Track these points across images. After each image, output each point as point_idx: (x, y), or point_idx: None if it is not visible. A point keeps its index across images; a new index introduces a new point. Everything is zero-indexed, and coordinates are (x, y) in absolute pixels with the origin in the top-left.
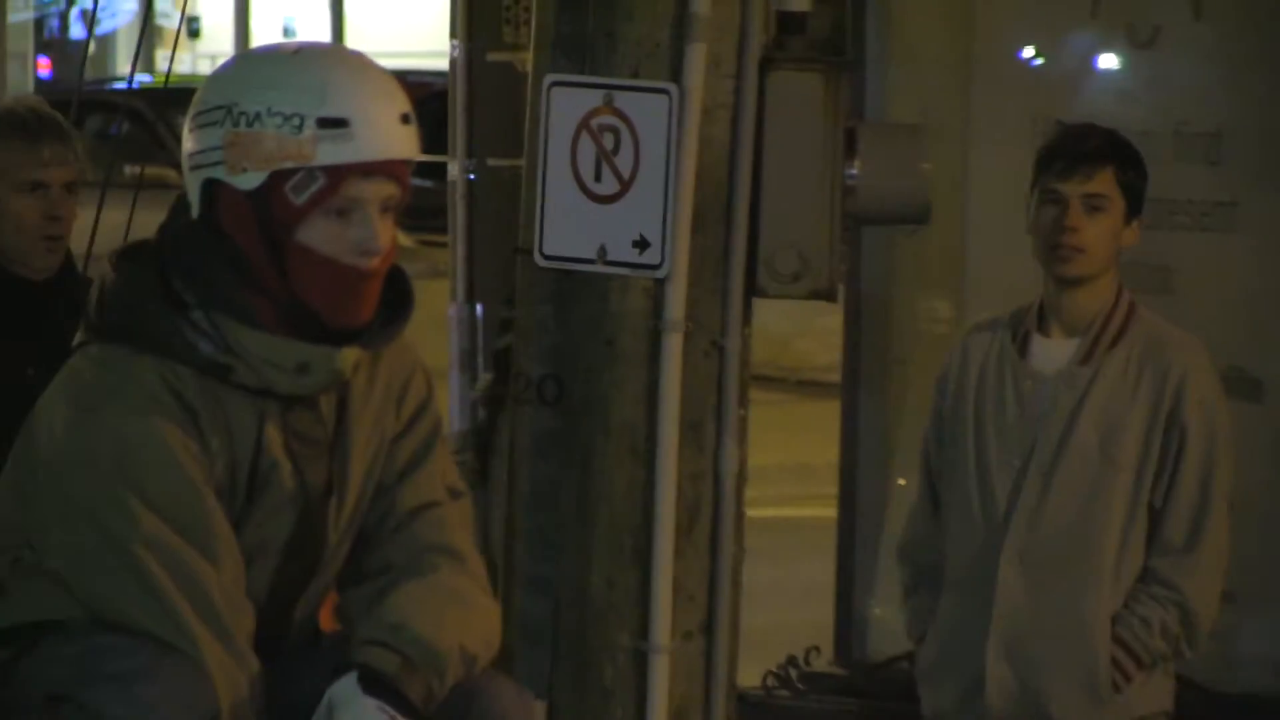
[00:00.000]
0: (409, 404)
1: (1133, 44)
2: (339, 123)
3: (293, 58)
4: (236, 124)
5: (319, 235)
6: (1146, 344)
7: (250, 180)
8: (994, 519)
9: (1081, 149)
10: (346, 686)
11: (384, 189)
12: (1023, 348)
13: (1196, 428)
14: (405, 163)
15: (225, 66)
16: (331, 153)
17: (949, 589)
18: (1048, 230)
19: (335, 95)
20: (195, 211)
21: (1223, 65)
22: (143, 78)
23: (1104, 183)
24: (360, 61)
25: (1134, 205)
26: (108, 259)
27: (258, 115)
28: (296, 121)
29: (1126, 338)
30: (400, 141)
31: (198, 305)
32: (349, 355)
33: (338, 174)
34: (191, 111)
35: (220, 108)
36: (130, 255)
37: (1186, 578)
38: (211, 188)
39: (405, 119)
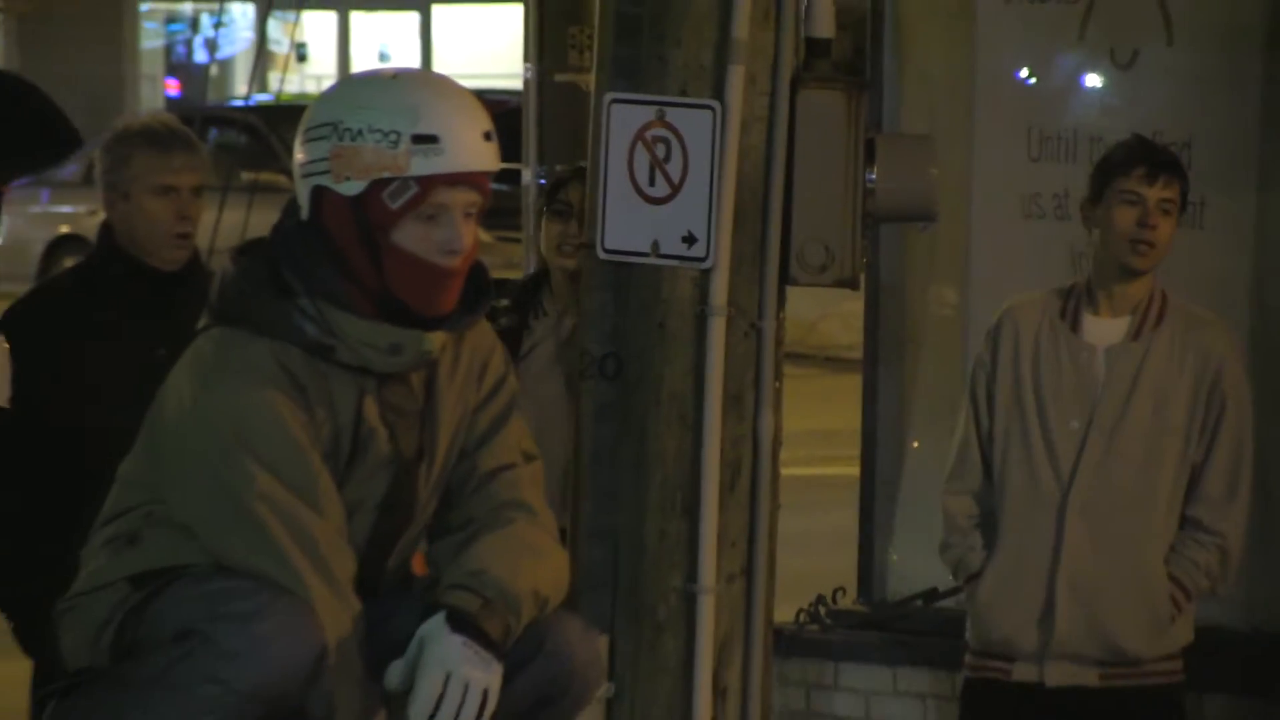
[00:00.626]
0: (489, 379)
1: (1115, 65)
2: (430, 139)
3: (390, 82)
4: (341, 139)
5: (410, 236)
6: (1186, 324)
7: (352, 188)
8: (1061, 476)
9: (1160, 159)
10: (435, 624)
11: (467, 197)
12: (1074, 324)
13: (1234, 398)
14: (486, 174)
15: (332, 89)
16: (423, 165)
17: (1007, 534)
18: (1129, 228)
19: (427, 115)
20: (304, 214)
21: (1192, 84)
22: (263, 97)
23: (1173, 189)
24: (449, 85)
25: (1183, 209)
26: (228, 254)
27: (359, 132)
28: (393, 138)
29: (1167, 319)
30: (482, 156)
31: (305, 294)
32: (435, 338)
33: (428, 183)
34: (302, 127)
35: (327, 124)
36: (247, 250)
37: (1226, 524)
38: (318, 193)
39: (487, 136)
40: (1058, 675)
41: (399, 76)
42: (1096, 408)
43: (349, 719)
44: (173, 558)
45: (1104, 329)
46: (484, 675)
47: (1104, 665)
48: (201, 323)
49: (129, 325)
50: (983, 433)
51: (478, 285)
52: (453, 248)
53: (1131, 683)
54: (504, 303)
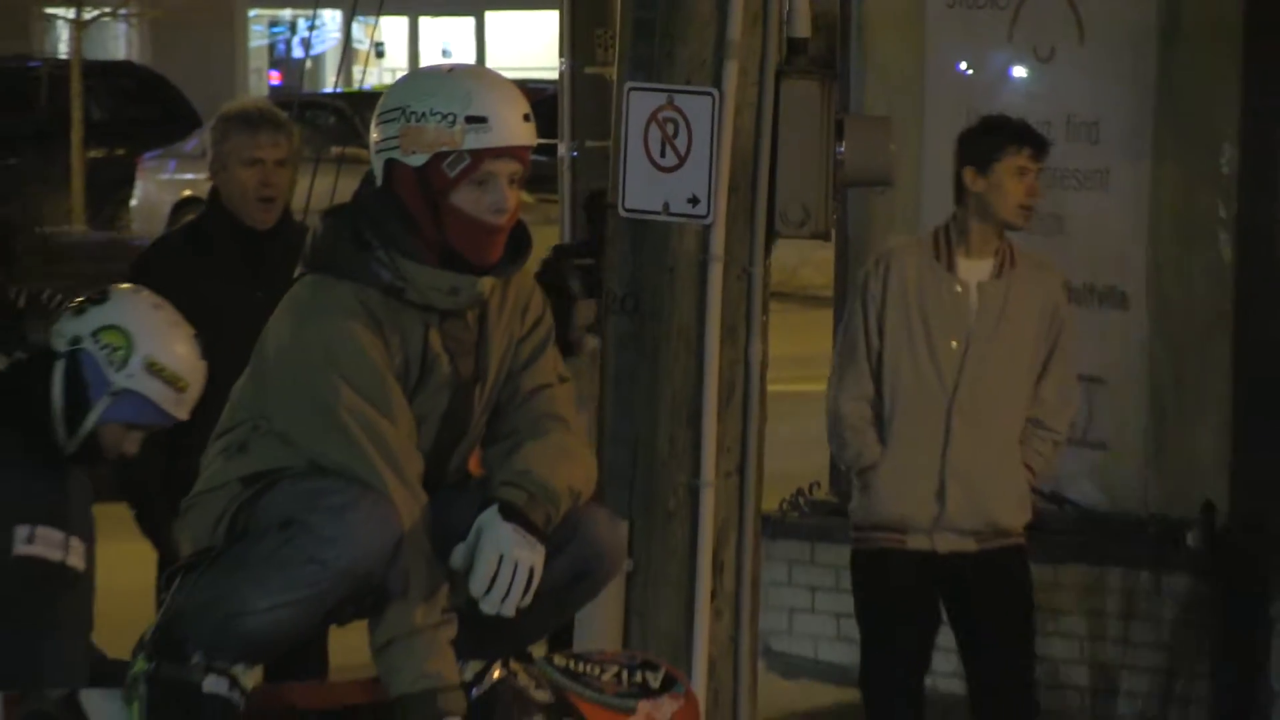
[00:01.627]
0: (530, 315)
1: (1037, 59)
2: (480, 120)
3: (448, 74)
4: (408, 120)
5: (465, 199)
6: (1032, 267)
7: (417, 160)
8: (945, 385)
9: (1041, 140)
10: (490, 515)
11: (510, 166)
12: (949, 264)
13: (1067, 325)
14: (526, 148)
15: (400, 80)
16: (474, 140)
17: (900, 433)
18: (1020, 196)
19: (477, 100)
20: (379, 182)
21: (1099, 74)
22: (369, 87)
23: (1041, 162)
24: (495, 77)
25: None
26: (319, 215)
27: (423, 114)
28: (450, 119)
29: (1019, 262)
30: (522, 133)
31: (380, 246)
32: (485, 283)
33: (478, 155)
34: (376, 111)
35: (397, 109)
36: (334, 212)
37: (1059, 423)
38: (390, 165)
39: (526, 118)
40: (946, 544)
41: (455, 70)
42: (972, 331)
43: (421, 593)
44: (275, 461)
45: (973, 269)
46: (530, 555)
47: (980, 535)
48: (297, 271)
49: (231, 272)
50: (872, 351)
51: (520, 240)
52: (499, 208)
53: (995, 545)
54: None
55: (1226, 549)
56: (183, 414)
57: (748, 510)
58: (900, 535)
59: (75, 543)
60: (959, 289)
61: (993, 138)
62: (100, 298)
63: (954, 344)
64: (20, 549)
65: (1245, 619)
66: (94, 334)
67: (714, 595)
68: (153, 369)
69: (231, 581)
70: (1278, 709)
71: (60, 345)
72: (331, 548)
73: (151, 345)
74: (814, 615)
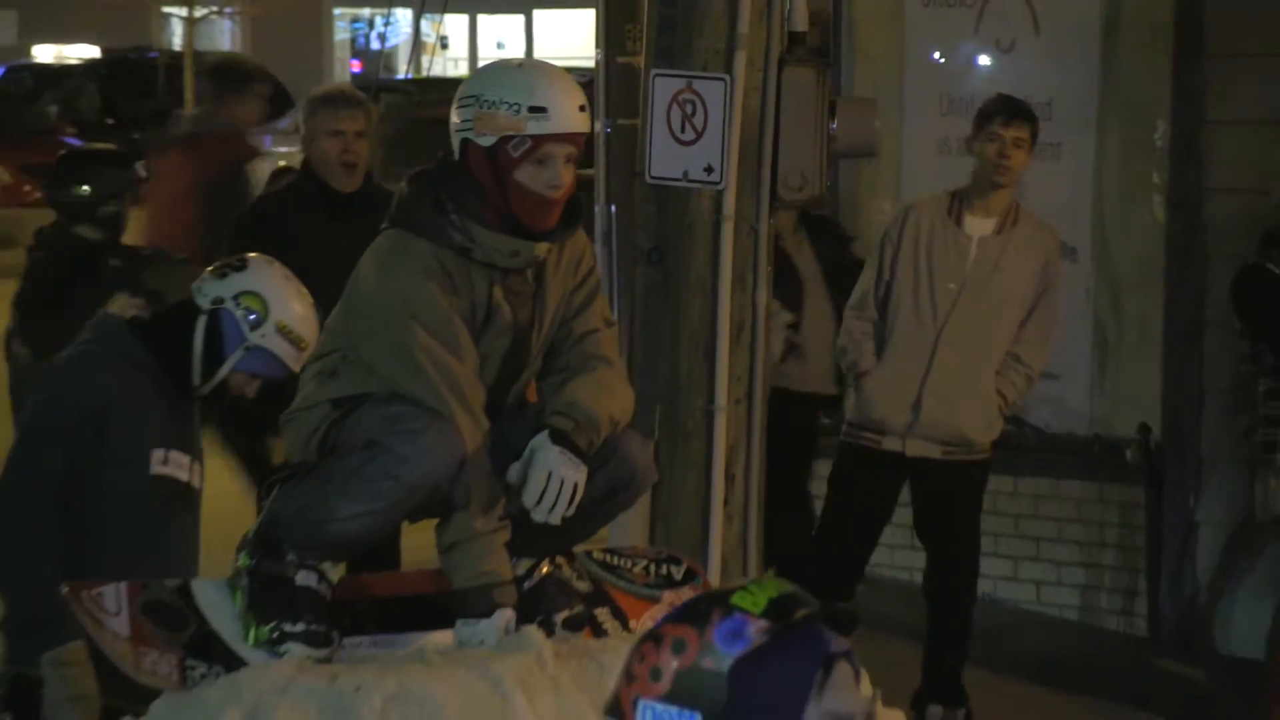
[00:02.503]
0: (581, 270)
1: (999, 49)
2: (541, 110)
3: (517, 69)
4: (481, 108)
5: (526, 175)
6: (1033, 228)
7: (487, 140)
8: (937, 319)
9: (1015, 108)
10: (542, 439)
11: (566, 149)
12: (958, 220)
13: (1055, 281)
14: (580, 134)
15: (478, 72)
16: (535, 127)
17: (893, 351)
18: (993, 158)
19: (539, 93)
20: (455, 156)
21: (1052, 61)
22: (434, 73)
23: (1024, 131)
24: (557, 73)
25: (1033, 145)
26: (405, 179)
27: (494, 103)
28: (516, 108)
29: (1021, 223)
30: (577, 121)
31: (454, 212)
32: (541, 247)
33: (539, 140)
34: (456, 97)
35: (473, 97)
36: (416, 177)
37: (1035, 360)
38: (465, 144)
39: (582, 108)
40: (915, 449)
41: (523, 65)
42: (967, 278)
43: (481, 504)
44: (361, 387)
45: (978, 225)
46: (574, 474)
47: (948, 445)
48: (383, 226)
49: (319, 226)
50: (881, 283)
51: (573, 208)
52: (555, 184)
53: (960, 458)
54: None
55: (1158, 463)
56: (298, 368)
57: (754, 431)
58: (878, 436)
59: (197, 466)
60: (962, 241)
61: (979, 114)
62: (240, 265)
63: (950, 287)
64: (156, 469)
65: (1174, 521)
66: (235, 297)
67: (726, 503)
68: (282, 331)
69: (321, 492)
70: (1201, 595)
71: (204, 303)
72: (405, 466)
73: (283, 311)
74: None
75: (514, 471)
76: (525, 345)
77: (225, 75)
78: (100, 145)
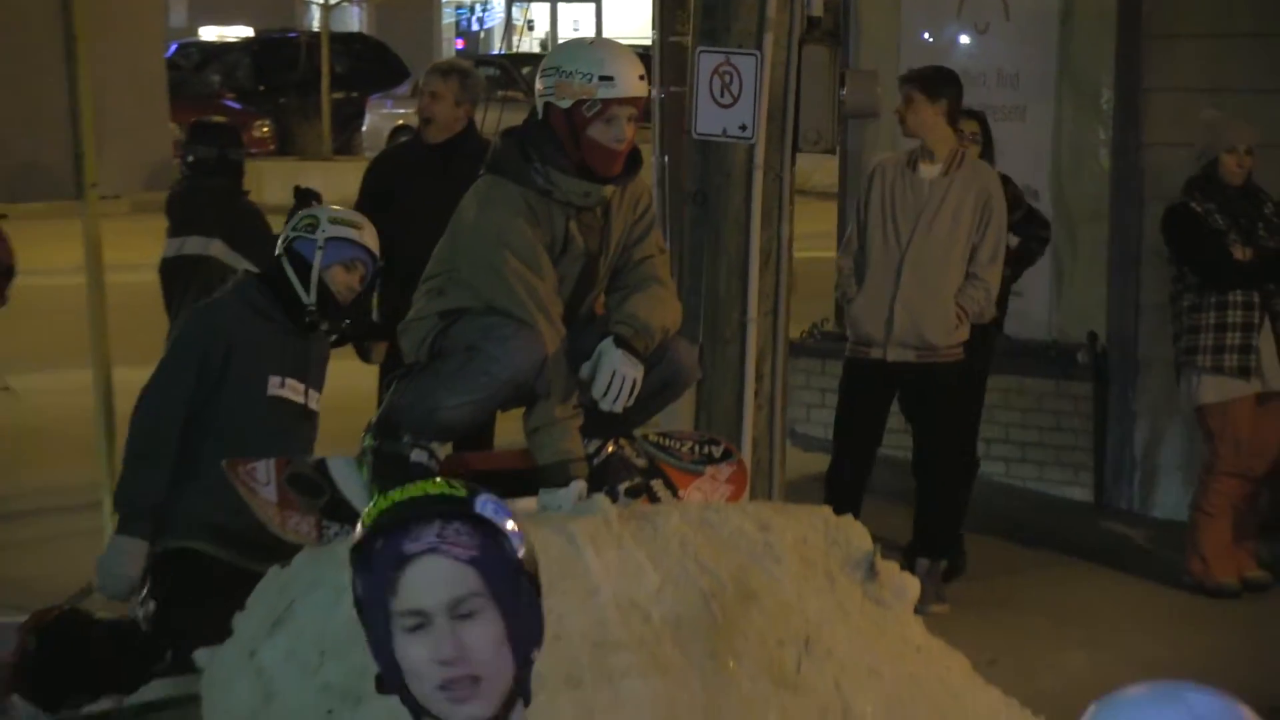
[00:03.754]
0: (640, 207)
1: (977, 31)
2: (609, 78)
3: (590, 45)
4: (560, 77)
5: (596, 132)
6: (974, 170)
7: (565, 104)
8: (901, 247)
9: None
10: (607, 343)
11: (629, 110)
12: (914, 168)
13: (997, 212)
14: (641, 98)
15: (558, 48)
16: (605, 92)
17: (870, 279)
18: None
19: (608, 65)
20: (539, 116)
21: (1020, 42)
22: (522, 50)
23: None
24: (622, 48)
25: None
26: (497, 134)
27: (571, 73)
28: (589, 77)
29: (964, 166)
30: (638, 88)
31: (539, 161)
32: (608, 189)
33: (607, 103)
34: (541, 68)
35: (555, 68)
36: (509, 133)
37: (989, 275)
38: (547, 106)
39: (641, 77)
40: (894, 355)
41: (594, 42)
42: (922, 212)
43: (559, 395)
44: (463, 302)
45: (929, 170)
46: (633, 371)
47: (918, 349)
48: (481, 171)
49: (422, 171)
50: (860, 225)
51: (634, 158)
52: (619, 139)
53: (930, 359)
54: None
55: (1104, 364)
56: (373, 244)
57: (779, 338)
58: (866, 348)
59: (313, 393)
60: (917, 184)
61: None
62: (292, 213)
63: (909, 220)
64: (273, 391)
65: (1116, 411)
66: (294, 226)
67: (756, 395)
68: (335, 220)
69: (430, 387)
70: (1137, 469)
71: (281, 248)
72: (497, 364)
73: (329, 211)
74: (823, 409)
75: (585, 369)
76: (594, 268)
77: None
78: (217, 119)
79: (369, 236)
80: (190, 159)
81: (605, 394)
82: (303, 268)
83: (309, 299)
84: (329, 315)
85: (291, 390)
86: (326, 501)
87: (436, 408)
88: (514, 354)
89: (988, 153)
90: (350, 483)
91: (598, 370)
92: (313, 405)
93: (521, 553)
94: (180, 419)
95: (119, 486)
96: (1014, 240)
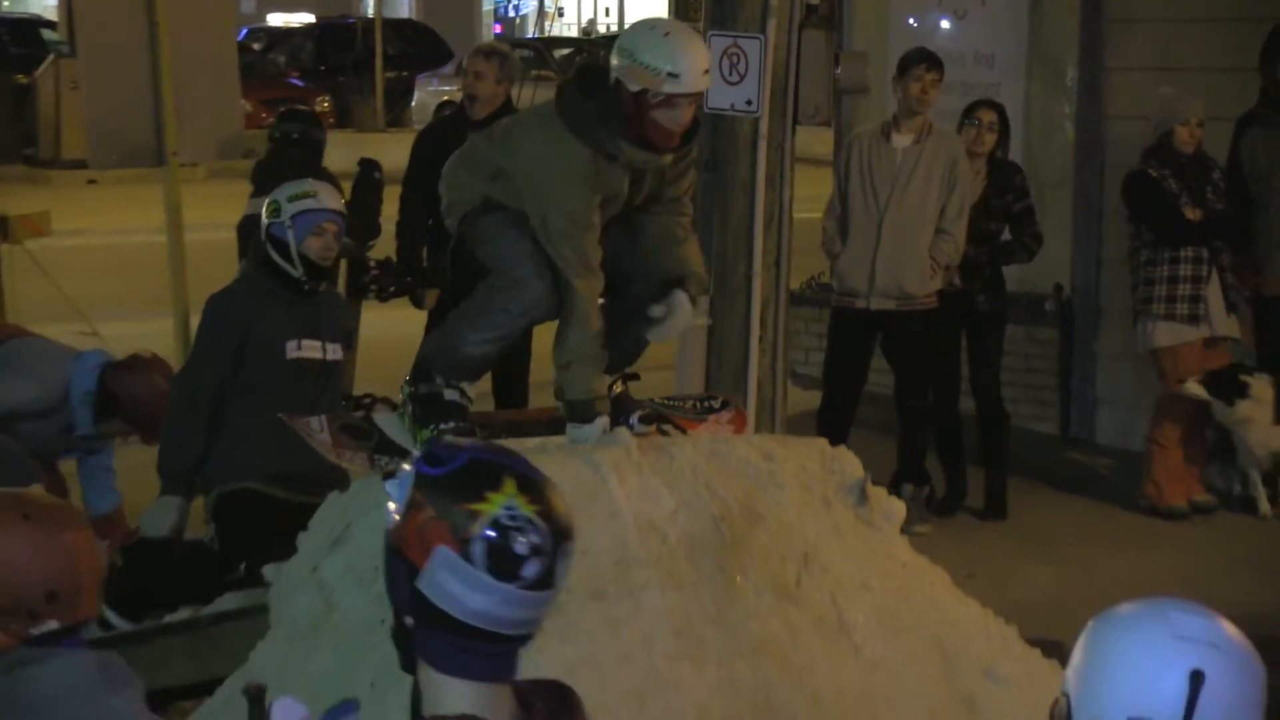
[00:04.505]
0: (684, 158)
1: (956, 16)
2: (676, 75)
3: (663, 38)
4: (633, 61)
5: (660, 115)
6: (941, 139)
7: (634, 87)
8: (880, 209)
9: (930, 59)
10: (683, 297)
11: (690, 100)
12: (888, 138)
13: (962, 176)
14: (701, 91)
15: (636, 30)
16: (670, 87)
17: (852, 237)
18: (917, 94)
19: (678, 61)
20: (611, 83)
21: (994, 26)
22: (552, 34)
23: (936, 73)
24: (691, 39)
25: (941, 84)
26: (572, 81)
27: (642, 64)
28: (656, 70)
29: (933, 136)
30: (701, 83)
31: (607, 126)
32: (666, 157)
33: (671, 96)
34: (617, 45)
35: (628, 51)
36: (582, 88)
37: (956, 230)
38: (618, 82)
39: (705, 72)
40: (876, 304)
41: (668, 34)
42: (896, 177)
43: (591, 337)
44: (507, 200)
45: (901, 140)
46: (696, 320)
47: (898, 299)
48: (553, 106)
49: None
50: (841, 191)
51: (692, 129)
52: (680, 122)
53: (908, 307)
54: None
55: (1069, 311)
56: (331, 201)
57: (781, 289)
58: (852, 299)
59: (329, 345)
60: (891, 152)
61: (903, 61)
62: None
63: (885, 185)
64: (291, 355)
65: (1079, 353)
66: (266, 216)
67: (760, 340)
68: (292, 198)
69: (454, 327)
70: (1098, 405)
71: (263, 235)
72: (517, 304)
73: (285, 191)
74: (820, 352)
75: (656, 311)
76: (628, 204)
77: None
78: (302, 107)
79: (326, 197)
80: (278, 135)
81: (663, 327)
82: (283, 248)
83: (297, 271)
84: (319, 277)
85: (309, 349)
86: (376, 442)
87: (461, 344)
88: (530, 300)
89: (1004, 141)
90: (394, 428)
91: (669, 318)
92: (332, 356)
93: (391, 528)
94: (210, 397)
95: (159, 457)
96: (1007, 233)
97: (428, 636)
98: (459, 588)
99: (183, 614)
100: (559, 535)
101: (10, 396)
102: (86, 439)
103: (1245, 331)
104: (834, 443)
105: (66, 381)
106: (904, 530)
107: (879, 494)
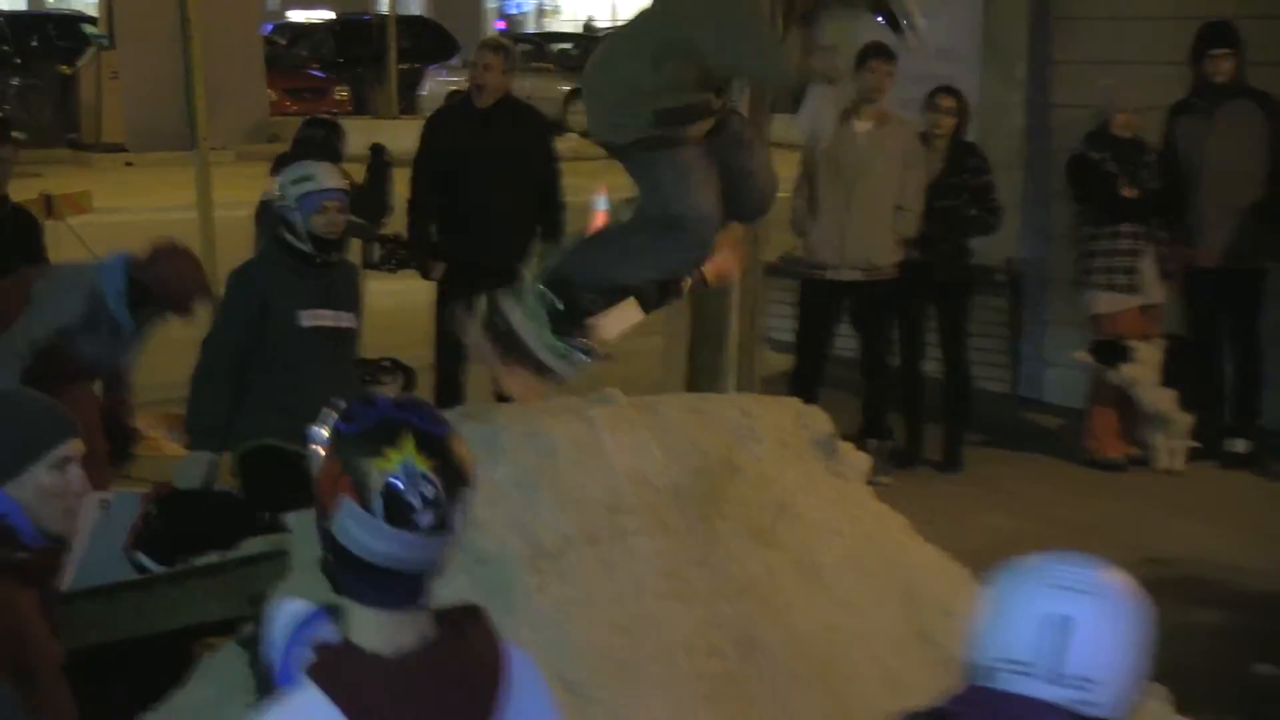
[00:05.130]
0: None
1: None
2: None
3: None
4: None
5: None
6: (898, 124)
7: None
8: (848, 189)
9: (885, 51)
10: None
11: None
12: (850, 123)
13: (916, 159)
14: None
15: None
16: None
17: (821, 214)
18: (873, 82)
19: None
20: None
21: (951, 21)
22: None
23: (891, 65)
24: None
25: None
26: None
27: None
28: None
29: (891, 122)
30: None
31: None
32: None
33: None
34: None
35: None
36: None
37: (916, 205)
38: None
39: None
40: (845, 275)
41: None
42: (859, 159)
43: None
44: (685, 100)
45: (862, 125)
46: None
47: (865, 270)
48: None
49: (469, 131)
50: (808, 174)
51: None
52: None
53: (874, 278)
54: None
55: (1020, 282)
56: (330, 179)
57: (757, 259)
58: (821, 270)
59: (343, 314)
60: (853, 136)
61: (862, 54)
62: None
63: (850, 166)
64: (306, 323)
65: (1030, 320)
66: (274, 201)
67: (739, 308)
68: (295, 180)
69: (617, 260)
70: (1046, 368)
71: (276, 220)
72: (697, 252)
73: (288, 174)
74: (791, 320)
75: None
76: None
77: None
78: (326, 115)
79: (325, 177)
80: (301, 137)
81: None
82: (292, 227)
83: (307, 247)
84: (328, 250)
85: (322, 318)
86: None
87: (621, 277)
88: (704, 251)
89: (963, 123)
90: (516, 316)
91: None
92: (345, 324)
93: (313, 475)
94: (233, 361)
95: (187, 416)
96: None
97: (343, 572)
98: (362, 534)
99: (211, 558)
100: (454, 485)
101: (58, 317)
102: (136, 336)
103: (1172, 295)
104: (806, 401)
105: (99, 289)
106: (869, 481)
107: (846, 448)
